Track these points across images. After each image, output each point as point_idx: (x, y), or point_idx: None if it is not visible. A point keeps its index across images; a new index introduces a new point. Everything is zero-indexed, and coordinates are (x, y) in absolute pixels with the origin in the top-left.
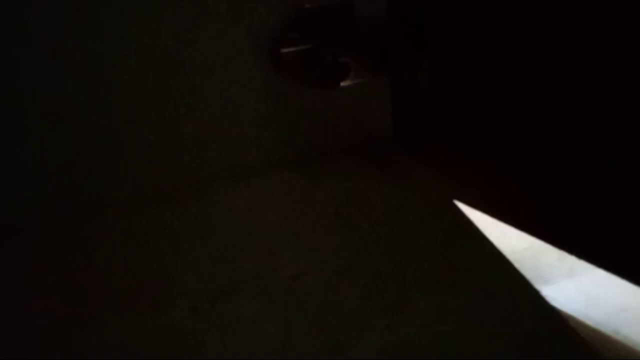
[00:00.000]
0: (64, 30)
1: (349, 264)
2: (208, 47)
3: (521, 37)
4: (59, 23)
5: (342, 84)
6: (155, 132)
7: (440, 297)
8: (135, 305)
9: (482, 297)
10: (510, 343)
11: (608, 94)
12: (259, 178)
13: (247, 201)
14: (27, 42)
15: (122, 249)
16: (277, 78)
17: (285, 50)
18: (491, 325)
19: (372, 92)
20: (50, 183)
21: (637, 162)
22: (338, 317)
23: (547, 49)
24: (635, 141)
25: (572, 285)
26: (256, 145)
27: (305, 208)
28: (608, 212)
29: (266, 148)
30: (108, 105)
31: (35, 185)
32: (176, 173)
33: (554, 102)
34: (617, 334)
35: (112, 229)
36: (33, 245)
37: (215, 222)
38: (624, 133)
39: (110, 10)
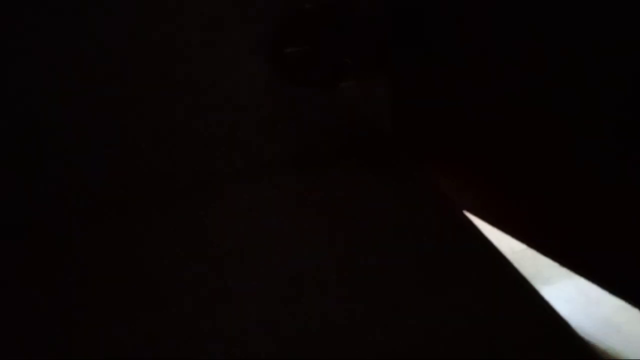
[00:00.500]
0: (70, 25)
1: (349, 263)
2: (207, 47)
3: (528, 41)
4: (63, 20)
5: (342, 84)
6: (155, 133)
7: (440, 297)
8: (135, 304)
9: (482, 297)
10: (510, 343)
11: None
12: (259, 178)
13: (247, 201)
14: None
15: (121, 249)
16: (277, 78)
17: (285, 50)
18: (491, 325)
19: (372, 92)
20: (48, 182)
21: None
22: (338, 317)
23: (551, 59)
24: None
25: (572, 285)
26: (256, 146)
27: (304, 208)
28: (602, 228)
29: (266, 148)
30: (108, 105)
31: (33, 184)
32: (175, 174)
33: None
34: (617, 334)
35: (112, 228)
36: (32, 245)
37: (215, 222)
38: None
39: (113, 12)
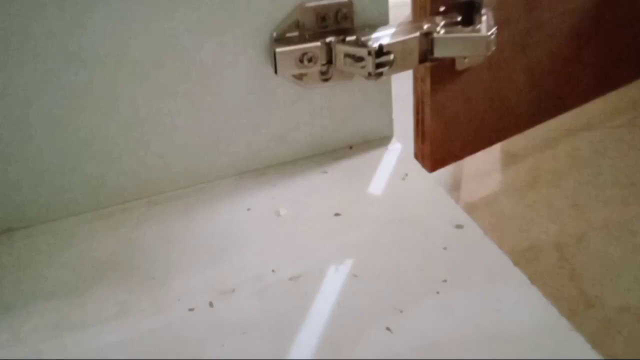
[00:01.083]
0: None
1: (349, 264)
2: (206, 46)
3: None
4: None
5: (385, 75)
6: (153, 132)
7: (441, 297)
8: (133, 305)
9: (482, 297)
10: (510, 343)
11: None
12: (257, 178)
13: (246, 201)
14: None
15: (119, 249)
16: (276, 78)
17: (285, 49)
18: (491, 325)
19: (372, 92)
20: (45, 182)
21: None
22: (338, 317)
23: None
24: None
25: (572, 285)
26: (254, 146)
27: (304, 208)
28: None
29: (264, 148)
30: (103, 103)
31: (29, 184)
32: (173, 173)
33: None
34: (617, 334)
35: (110, 228)
36: (29, 245)
37: (214, 223)
38: None
39: (107, 11)
